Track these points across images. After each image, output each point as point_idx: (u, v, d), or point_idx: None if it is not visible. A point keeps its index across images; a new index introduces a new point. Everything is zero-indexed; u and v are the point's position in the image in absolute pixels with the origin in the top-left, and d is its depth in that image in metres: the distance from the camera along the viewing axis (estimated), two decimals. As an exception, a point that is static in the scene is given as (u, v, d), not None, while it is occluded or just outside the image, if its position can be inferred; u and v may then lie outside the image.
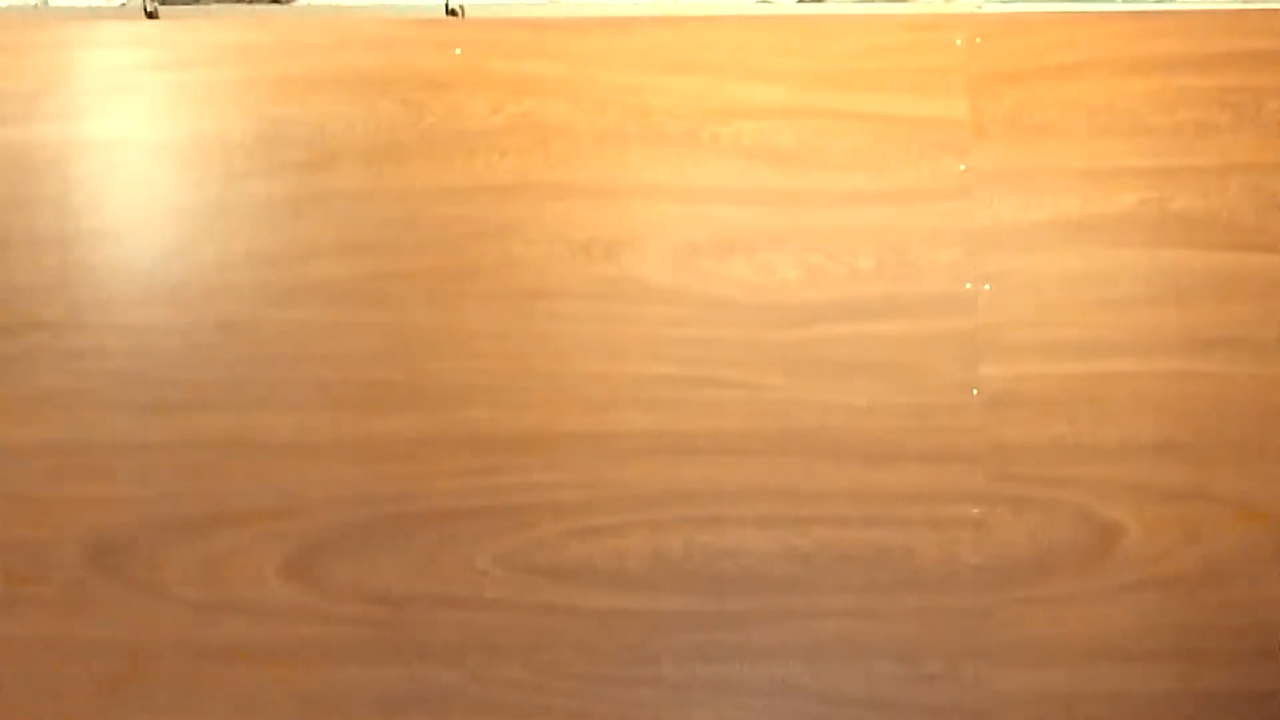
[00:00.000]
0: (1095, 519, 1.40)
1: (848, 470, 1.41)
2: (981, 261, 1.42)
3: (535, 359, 1.41)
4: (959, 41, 1.44)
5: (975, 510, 1.40)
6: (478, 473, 1.40)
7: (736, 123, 1.44)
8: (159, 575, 1.39)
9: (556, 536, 1.39)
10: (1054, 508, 1.40)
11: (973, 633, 1.38)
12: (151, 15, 1.46)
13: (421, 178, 1.43)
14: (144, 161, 1.43)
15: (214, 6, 1.48)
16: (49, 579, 1.39)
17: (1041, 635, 1.38)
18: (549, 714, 1.38)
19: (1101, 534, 1.40)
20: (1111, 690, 1.37)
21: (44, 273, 1.41)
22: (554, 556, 1.39)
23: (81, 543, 1.39)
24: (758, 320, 1.42)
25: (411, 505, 1.40)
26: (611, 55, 1.44)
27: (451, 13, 1.47)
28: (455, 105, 1.43)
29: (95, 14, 1.47)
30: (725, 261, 1.42)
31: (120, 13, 1.47)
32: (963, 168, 1.43)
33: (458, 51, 1.44)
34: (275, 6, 1.49)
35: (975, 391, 1.41)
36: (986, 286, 1.42)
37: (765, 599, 1.40)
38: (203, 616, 1.38)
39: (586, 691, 1.38)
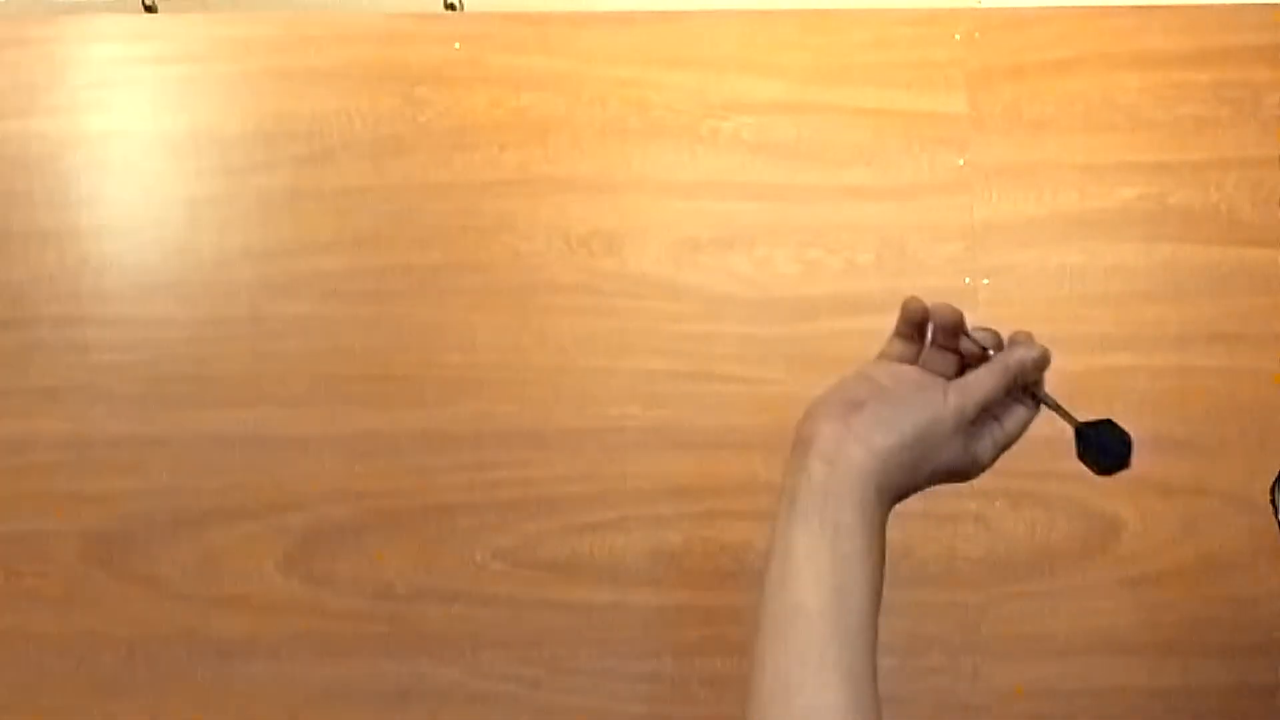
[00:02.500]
0: (1094, 513, 1.40)
1: (847, 465, 1.41)
2: (981, 256, 1.42)
3: (534, 353, 1.41)
4: (958, 36, 1.45)
5: (974, 505, 1.40)
6: (477, 467, 1.40)
7: (736, 117, 1.44)
8: (158, 570, 1.38)
9: (556, 531, 1.39)
10: (1053, 502, 1.40)
11: (972, 627, 1.38)
12: (150, 9, 1.46)
13: (421, 172, 1.43)
14: (142, 156, 1.43)
15: (213, 0, 1.48)
16: (47, 573, 1.38)
17: (1041, 629, 1.38)
18: (548, 709, 1.38)
19: (1100, 528, 1.40)
20: (1111, 684, 1.38)
21: (42, 267, 1.41)
22: (554, 551, 1.39)
23: (80, 537, 1.39)
24: (757, 315, 1.42)
25: (411, 500, 1.39)
26: (611, 50, 1.44)
27: (451, 7, 1.47)
28: (455, 100, 1.43)
29: (93, 8, 1.47)
30: (724, 256, 1.42)
31: (119, 6, 1.47)
32: (961, 162, 1.43)
33: (457, 46, 1.44)
34: (274, 0, 1.49)
35: (974, 386, 1.41)
36: (986, 281, 1.42)
37: (765, 594, 1.39)
38: (202, 611, 1.38)
39: (586, 686, 1.38)
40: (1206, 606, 1.39)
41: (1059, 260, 1.42)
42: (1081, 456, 0.81)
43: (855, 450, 0.72)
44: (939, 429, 0.74)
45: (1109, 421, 0.81)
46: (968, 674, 1.38)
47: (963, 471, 0.78)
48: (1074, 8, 1.45)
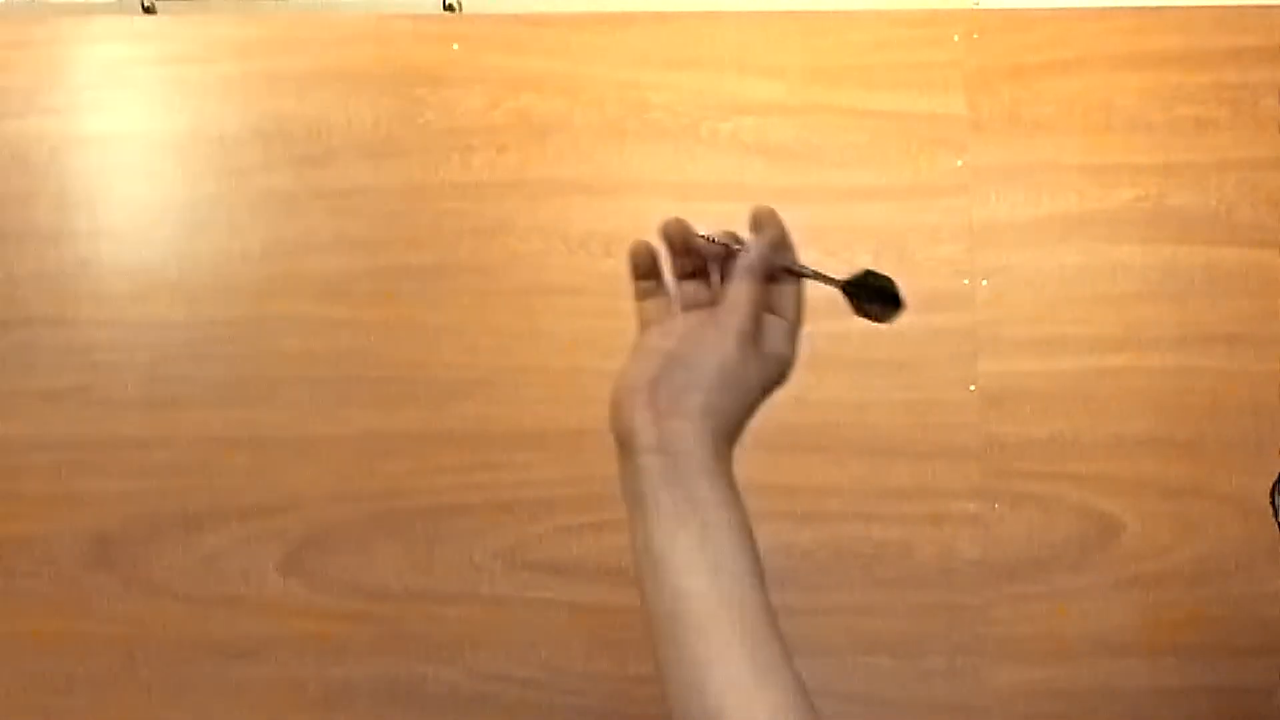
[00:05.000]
0: (1093, 515, 1.40)
1: (845, 466, 1.41)
2: (979, 257, 1.42)
3: (532, 355, 1.41)
4: (956, 37, 1.44)
5: (973, 506, 1.40)
6: (475, 468, 1.40)
7: (735, 119, 1.44)
8: (157, 571, 1.39)
9: (554, 532, 1.39)
10: (1052, 503, 1.40)
11: (972, 628, 1.38)
12: (149, 10, 1.46)
13: (419, 173, 1.43)
14: (141, 157, 1.43)
15: (211, 1, 1.48)
16: (46, 574, 1.38)
17: (1040, 630, 1.38)
18: (547, 710, 1.38)
19: (1099, 529, 1.40)
20: (1110, 685, 1.38)
21: (41, 268, 1.41)
22: (552, 552, 1.39)
23: (79, 538, 1.39)
24: (756, 316, 1.42)
25: (409, 501, 1.39)
26: (610, 51, 1.44)
27: (449, 8, 1.47)
28: (453, 101, 1.43)
29: (92, 9, 1.47)
30: (723, 257, 1.42)
31: (117, 7, 1.47)
32: (960, 163, 1.43)
33: (455, 47, 1.44)
34: (273, 1, 1.49)
35: (973, 387, 1.41)
36: (984, 282, 1.42)
37: (763, 595, 1.39)
38: (201, 613, 1.38)
39: (584, 688, 1.38)
40: (1206, 608, 1.39)
41: (1058, 261, 1.42)
42: (858, 312, 0.81)
43: (676, 426, 0.71)
44: (731, 359, 0.73)
45: (870, 272, 0.80)
46: (967, 675, 1.38)
47: (776, 377, 0.77)
48: (1072, 9, 1.45)
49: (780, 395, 1.42)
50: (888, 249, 1.42)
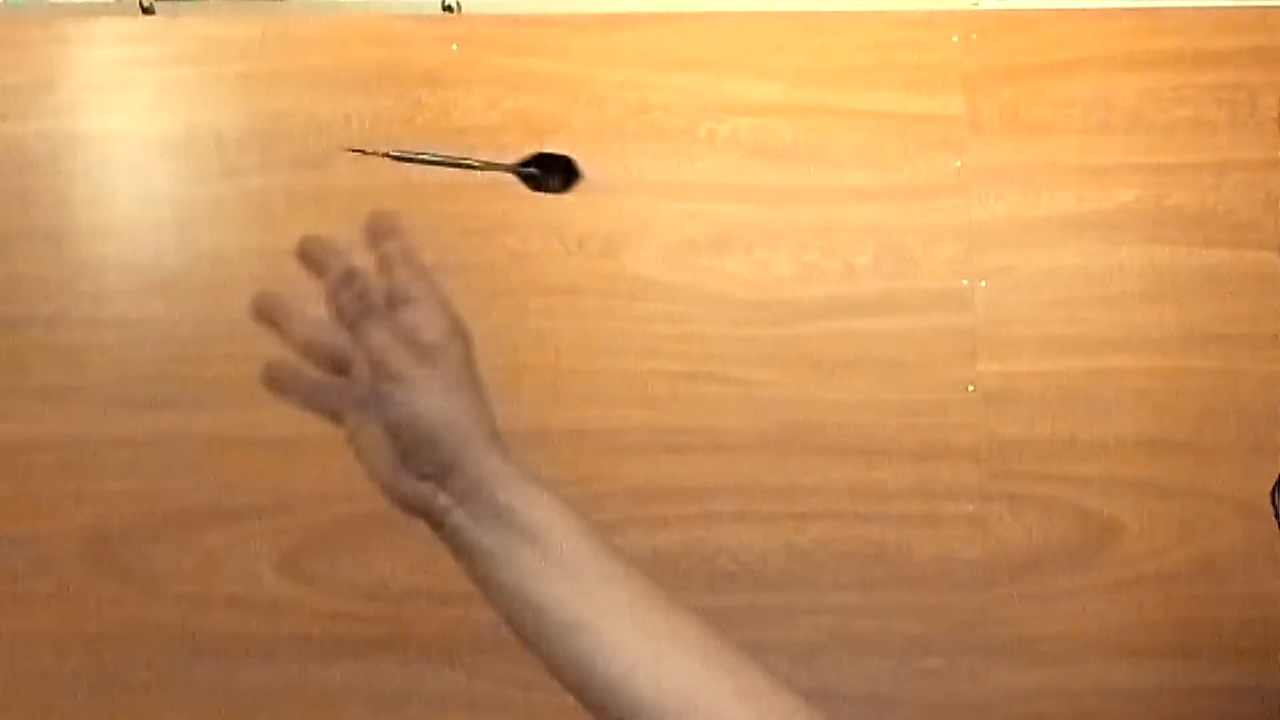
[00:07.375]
0: (1092, 515, 1.40)
1: (844, 467, 1.41)
2: (978, 258, 1.42)
3: (530, 355, 1.41)
4: (955, 38, 1.45)
5: (972, 507, 1.40)
6: (475, 469, 1.40)
7: (733, 119, 1.44)
8: (154, 571, 1.39)
9: (553, 533, 1.39)
10: (1051, 504, 1.40)
11: (970, 629, 1.38)
12: (148, 11, 1.46)
13: (418, 174, 1.42)
14: (140, 157, 1.43)
15: (210, 2, 1.48)
16: (44, 574, 1.38)
17: (1039, 631, 1.38)
18: (546, 711, 1.37)
19: (1098, 530, 1.40)
20: (1109, 686, 1.38)
21: (39, 268, 1.41)
22: (551, 552, 1.39)
23: (76, 538, 1.39)
24: (754, 316, 1.42)
25: (408, 501, 1.39)
26: (609, 51, 1.44)
27: (448, 9, 1.47)
28: (452, 101, 1.43)
29: (91, 10, 1.47)
30: (722, 257, 1.42)
31: (116, 8, 1.47)
32: (959, 164, 1.43)
33: (454, 47, 1.44)
34: (271, 2, 1.49)
35: (972, 388, 1.41)
36: (983, 283, 1.42)
37: (762, 596, 1.40)
38: (198, 613, 1.38)
39: (583, 688, 1.38)
40: (1204, 609, 1.39)
41: (1057, 262, 1.42)
42: (540, 189, 0.79)
43: (456, 478, 0.68)
44: (431, 390, 0.67)
45: (543, 154, 0.79)
46: (966, 675, 1.38)
47: (463, 345, 0.72)
48: (1071, 10, 1.45)
49: (780, 396, 1.43)
50: (886, 249, 1.43)
